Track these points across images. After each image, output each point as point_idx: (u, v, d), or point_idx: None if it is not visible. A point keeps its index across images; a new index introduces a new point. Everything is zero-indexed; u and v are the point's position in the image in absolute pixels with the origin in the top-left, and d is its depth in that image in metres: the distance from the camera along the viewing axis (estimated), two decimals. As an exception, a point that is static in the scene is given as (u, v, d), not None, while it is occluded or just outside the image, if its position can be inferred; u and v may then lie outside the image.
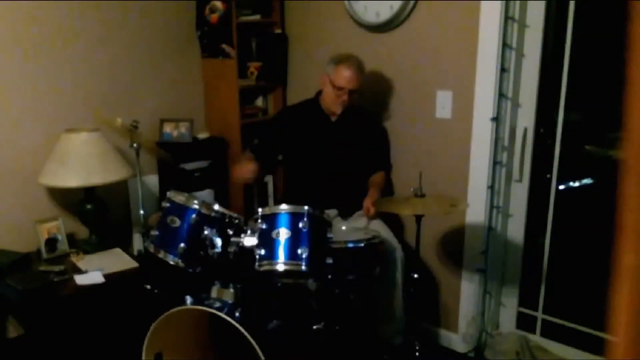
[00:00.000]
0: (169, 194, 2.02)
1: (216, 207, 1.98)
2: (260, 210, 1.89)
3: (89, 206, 2.66)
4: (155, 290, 2.30)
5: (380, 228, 2.47)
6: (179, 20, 3.16)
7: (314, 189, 2.63)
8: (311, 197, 2.45)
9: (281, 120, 2.78)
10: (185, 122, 3.08)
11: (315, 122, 2.66)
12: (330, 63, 2.55)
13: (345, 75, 2.48)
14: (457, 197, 2.55)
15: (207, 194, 3.12)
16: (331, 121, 2.66)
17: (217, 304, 1.82)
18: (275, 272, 1.83)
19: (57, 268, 2.42)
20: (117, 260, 2.58)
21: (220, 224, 1.95)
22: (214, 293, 1.93)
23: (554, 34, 2.41)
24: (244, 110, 3.22)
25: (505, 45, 2.39)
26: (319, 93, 2.67)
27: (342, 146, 2.66)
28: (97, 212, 2.68)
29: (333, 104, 2.55)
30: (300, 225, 1.82)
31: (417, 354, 2.32)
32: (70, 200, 2.74)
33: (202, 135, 3.21)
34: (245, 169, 2.46)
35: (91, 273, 2.40)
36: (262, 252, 1.82)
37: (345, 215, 2.65)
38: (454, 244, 2.69)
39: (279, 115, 2.92)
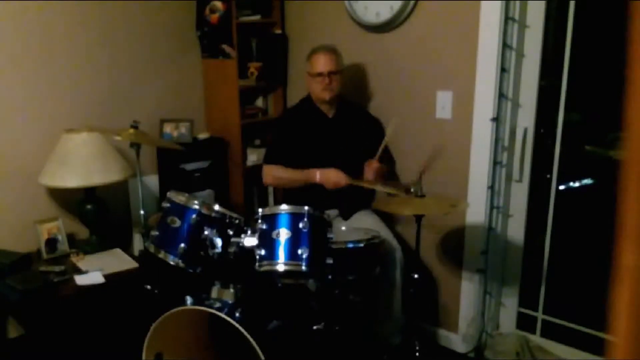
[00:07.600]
0: (169, 194, 2.02)
1: (216, 207, 1.98)
2: (260, 210, 1.89)
3: (89, 206, 2.67)
4: (155, 290, 2.29)
5: (380, 228, 2.47)
6: (179, 20, 3.16)
7: (314, 188, 2.63)
8: (311, 197, 2.46)
9: (288, 125, 2.74)
10: (185, 122, 3.08)
11: (314, 120, 2.67)
12: (306, 61, 2.64)
13: (318, 61, 2.56)
14: (457, 197, 2.55)
15: (207, 194, 3.12)
16: (328, 117, 2.67)
17: (217, 304, 1.83)
18: (276, 272, 1.83)
19: (57, 268, 2.42)
20: (117, 261, 2.58)
21: (220, 224, 1.95)
22: (214, 293, 1.93)
23: (554, 34, 2.41)
24: (244, 110, 3.22)
25: (505, 45, 2.39)
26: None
27: (341, 143, 2.66)
28: (97, 212, 2.68)
29: (320, 92, 2.59)
30: (301, 225, 1.82)
31: (417, 354, 2.32)
32: (70, 200, 2.75)
33: (202, 135, 3.21)
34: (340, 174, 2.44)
35: (91, 273, 2.41)
36: (263, 252, 1.82)
37: (345, 215, 2.65)
38: (454, 244, 2.69)
39: (285, 120, 2.84)
